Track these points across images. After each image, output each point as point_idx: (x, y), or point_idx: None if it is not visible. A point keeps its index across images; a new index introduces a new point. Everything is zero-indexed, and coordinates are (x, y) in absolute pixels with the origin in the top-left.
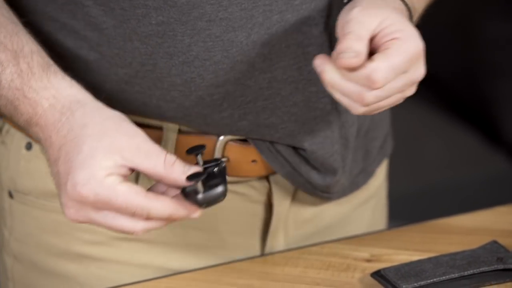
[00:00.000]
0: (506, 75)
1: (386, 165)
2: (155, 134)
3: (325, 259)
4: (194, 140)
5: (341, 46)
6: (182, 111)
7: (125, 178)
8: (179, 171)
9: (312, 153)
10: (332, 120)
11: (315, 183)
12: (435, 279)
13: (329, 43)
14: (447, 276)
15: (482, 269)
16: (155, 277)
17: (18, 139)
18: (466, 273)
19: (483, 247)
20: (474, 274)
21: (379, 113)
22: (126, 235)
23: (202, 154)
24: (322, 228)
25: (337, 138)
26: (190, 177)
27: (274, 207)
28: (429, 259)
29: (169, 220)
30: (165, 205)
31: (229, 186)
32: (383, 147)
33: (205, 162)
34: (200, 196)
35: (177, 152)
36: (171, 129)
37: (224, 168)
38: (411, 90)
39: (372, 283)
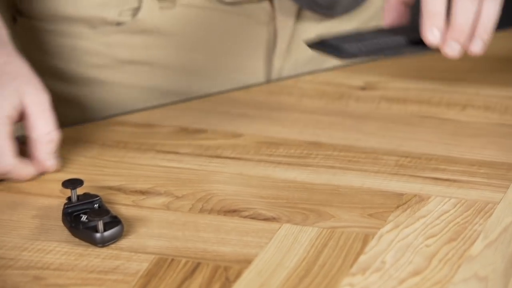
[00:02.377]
0: None
1: None
2: None
3: (319, 87)
4: None
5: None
6: None
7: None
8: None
9: None
10: None
11: (319, 1)
12: (377, 44)
13: None
14: (396, 41)
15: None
16: (149, 106)
17: None
18: (408, 40)
19: None
20: (419, 40)
21: None
22: (130, 58)
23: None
24: None
25: None
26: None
27: (278, 29)
28: (369, 28)
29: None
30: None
31: (233, 8)
32: None
33: (79, 198)
34: (98, 235)
35: None
36: None
37: (103, 204)
38: None
39: (366, 112)
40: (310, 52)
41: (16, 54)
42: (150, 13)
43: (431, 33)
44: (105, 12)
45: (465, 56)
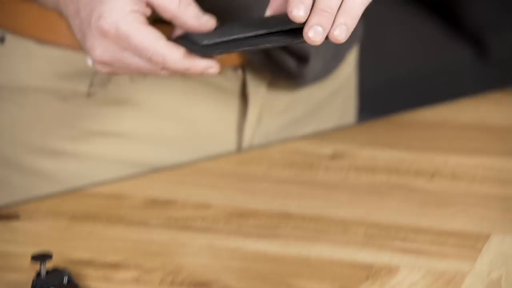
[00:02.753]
0: None
1: (357, 52)
2: None
3: (289, 156)
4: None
5: None
6: None
7: (147, 18)
8: (192, 13)
9: None
10: None
11: (289, 70)
12: (240, 35)
13: None
14: (254, 33)
15: (293, 25)
16: (119, 177)
17: None
18: (274, 29)
19: None
20: (283, 31)
21: None
22: (101, 129)
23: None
24: (296, 119)
25: None
26: None
27: (249, 97)
28: (240, 20)
29: (185, 73)
30: (182, 57)
31: (204, 77)
32: (353, 33)
33: (48, 272)
34: None
35: None
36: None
37: (72, 279)
38: None
39: (335, 181)
40: (282, 120)
41: None
42: (121, 84)
43: (297, 9)
44: (75, 83)
45: (432, 124)
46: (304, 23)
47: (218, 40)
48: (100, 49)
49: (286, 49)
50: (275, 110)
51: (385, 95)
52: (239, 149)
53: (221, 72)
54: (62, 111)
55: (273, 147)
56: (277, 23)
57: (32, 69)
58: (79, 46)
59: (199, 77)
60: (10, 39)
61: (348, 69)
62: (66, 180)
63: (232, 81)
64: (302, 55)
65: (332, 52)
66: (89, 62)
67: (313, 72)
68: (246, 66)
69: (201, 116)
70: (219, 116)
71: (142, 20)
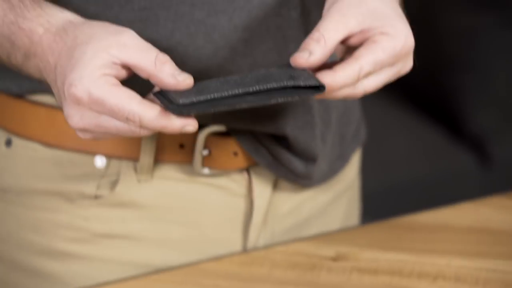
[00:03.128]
0: (468, 68)
1: (360, 155)
2: None
3: (291, 258)
4: (175, 134)
5: (303, 44)
6: None
7: (119, 78)
8: (169, 71)
9: (294, 139)
10: (312, 105)
11: (297, 171)
12: (216, 94)
13: (306, 27)
14: (230, 92)
15: (269, 85)
16: (121, 278)
17: None
18: (251, 89)
19: (280, 66)
20: (260, 91)
21: None
22: (108, 232)
23: None
24: (301, 221)
25: (318, 122)
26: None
27: (254, 200)
28: (218, 78)
29: (162, 131)
30: (158, 115)
31: (210, 180)
32: (357, 134)
33: None
34: None
35: (158, 147)
36: None
37: None
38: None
39: (338, 283)
40: (287, 223)
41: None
42: (128, 186)
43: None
44: (82, 185)
45: (434, 227)
46: (279, 85)
47: (195, 99)
48: (77, 117)
49: (293, 150)
50: (280, 212)
51: (387, 199)
52: (244, 250)
53: (227, 174)
54: (69, 213)
55: (276, 248)
56: (254, 82)
57: (39, 171)
58: (86, 149)
59: (205, 180)
60: (17, 142)
61: (352, 172)
62: (72, 282)
63: (238, 183)
64: (309, 156)
65: (338, 152)
66: (98, 164)
67: (320, 173)
68: (252, 168)
69: (207, 218)
70: (225, 218)
71: (114, 82)
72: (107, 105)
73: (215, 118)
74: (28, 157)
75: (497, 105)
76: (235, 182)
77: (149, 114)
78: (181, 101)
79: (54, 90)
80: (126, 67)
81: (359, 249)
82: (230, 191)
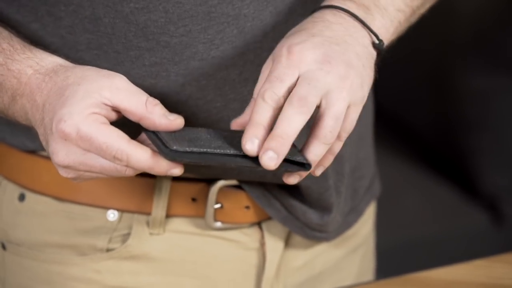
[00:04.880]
0: (483, 128)
1: (375, 211)
2: (148, 181)
3: None
4: (187, 188)
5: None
6: None
7: (108, 119)
8: (160, 112)
9: (307, 189)
10: None
11: (312, 224)
12: (209, 150)
13: None
14: (222, 151)
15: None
16: None
17: (10, 190)
18: (242, 152)
19: None
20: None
21: (363, 152)
22: (120, 285)
23: None
24: (314, 276)
25: (331, 173)
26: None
27: (267, 255)
28: (207, 129)
29: (148, 171)
30: (146, 155)
31: (222, 233)
32: (371, 188)
33: None
34: None
35: (171, 201)
36: (164, 176)
37: None
38: None
39: None
40: (299, 277)
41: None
42: (140, 239)
43: (251, 143)
44: (94, 239)
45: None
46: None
47: (188, 149)
48: (63, 153)
49: (306, 201)
50: (293, 266)
51: (401, 257)
52: None
53: (240, 228)
54: (81, 266)
55: None
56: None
57: (51, 225)
58: (99, 203)
59: (217, 233)
60: (30, 197)
61: (367, 228)
62: None
63: (250, 237)
64: (324, 205)
65: (350, 205)
66: (110, 217)
67: (336, 224)
68: (264, 222)
69: (219, 272)
70: (237, 272)
71: (103, 120)
72: (95, 143)
73: (226, 171)
74: (41, 211)
75: (511, 165)
76: (248, 236)
77: (137, 154)
78: (175, 147)
79: (40, 130)
80: (116, 110)
81: None
82: (243, 245)
